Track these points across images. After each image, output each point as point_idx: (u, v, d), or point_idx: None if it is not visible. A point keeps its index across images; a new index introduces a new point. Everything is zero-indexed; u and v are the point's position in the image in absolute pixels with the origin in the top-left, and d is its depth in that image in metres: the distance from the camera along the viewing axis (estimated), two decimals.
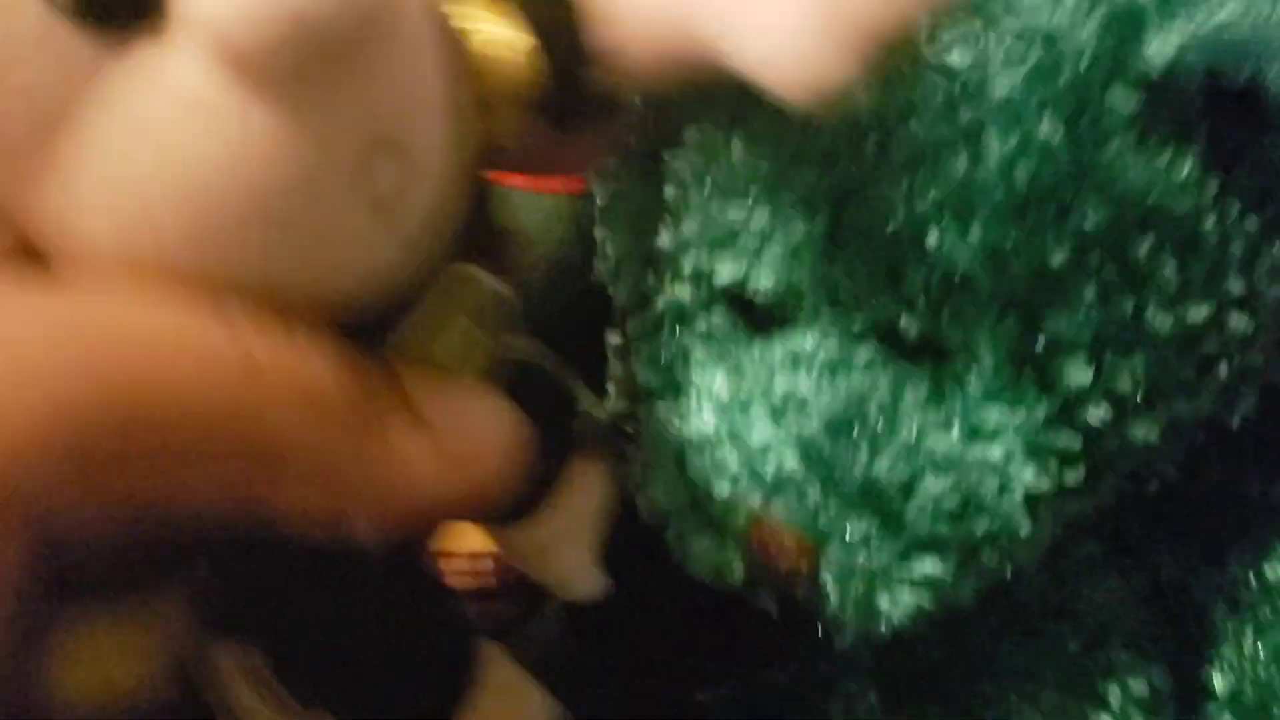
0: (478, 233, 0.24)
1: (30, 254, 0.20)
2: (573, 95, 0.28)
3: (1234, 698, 0.35)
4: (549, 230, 0.43)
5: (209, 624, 0.24)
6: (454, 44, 0.24)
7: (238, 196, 0.19)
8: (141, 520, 0.20)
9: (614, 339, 0.37)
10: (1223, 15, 0.26)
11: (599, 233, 0.35)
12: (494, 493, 0.23)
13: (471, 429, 0.24)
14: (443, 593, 0.30)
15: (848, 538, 0.29)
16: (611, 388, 0.38)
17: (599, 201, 0.35)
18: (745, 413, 0.30)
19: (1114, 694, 0.35)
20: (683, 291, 0.32)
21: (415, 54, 0.22)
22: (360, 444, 0.21)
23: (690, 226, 0.31)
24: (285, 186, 0.20)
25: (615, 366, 0.38)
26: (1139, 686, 0.35)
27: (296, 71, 0.19)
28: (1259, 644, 0.35)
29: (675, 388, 0.33)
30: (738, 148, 0.29)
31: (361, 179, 0.20)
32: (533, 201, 0.43)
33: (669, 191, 0.31)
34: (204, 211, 0.19)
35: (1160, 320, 0.28)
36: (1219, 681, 0.35)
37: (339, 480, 0.21)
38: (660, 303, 0.33)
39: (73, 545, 0.19)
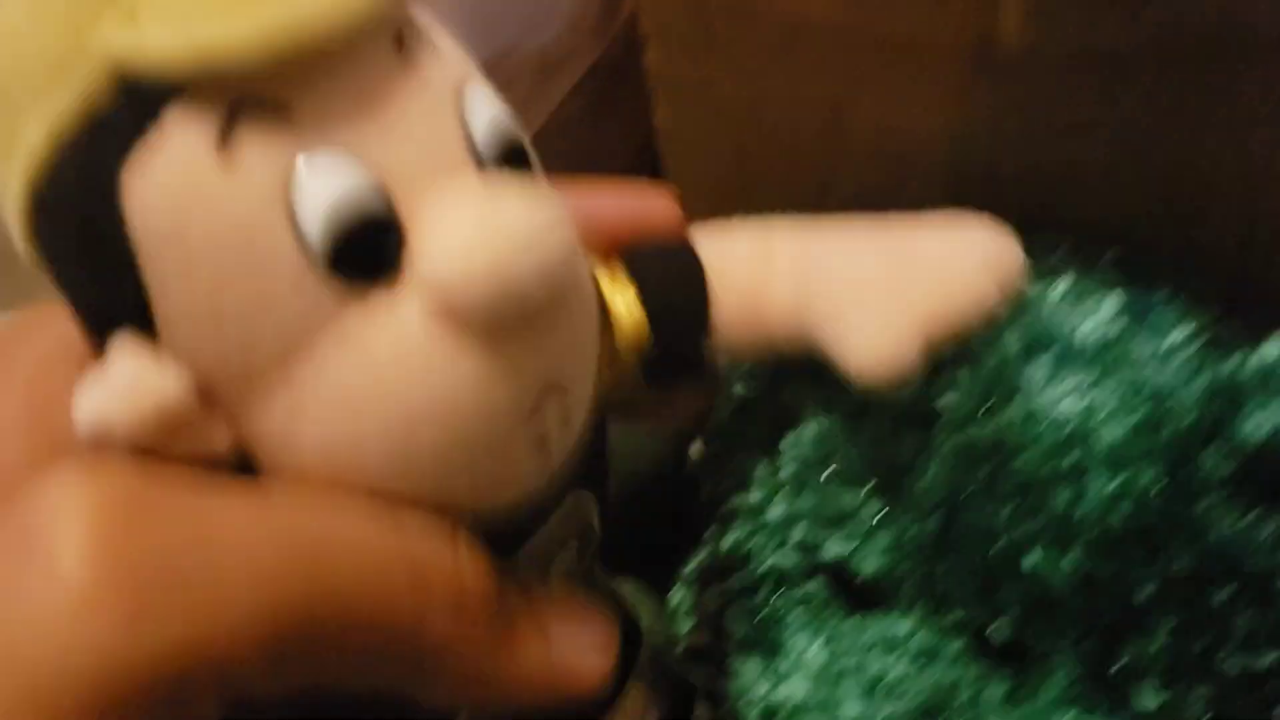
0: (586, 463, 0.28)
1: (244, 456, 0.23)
2: (674, 359, 0.31)
3: None
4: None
5: None
6: (599, 302, 0.28)
7: (436, 429, 0.23)
8: (306, 694, 0.23)
9: (689, 572, 0.39)
10: None
11: (702, 483, 0.37)
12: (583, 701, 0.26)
13: (580, 642, 0.27)
14: None
15: None
16: (679, 620, 0.40)
17: (703, 453, 0.38)
18: (837, 685, 0.32)
19: None
20: (786, 559, 0.34)
21: (585, 312, 0.25)
22: (497, 645, 0.23)
23: (805, 502, 0.33)
24: (477, 422, 0.23)
25: (686, 598, 0.39)
26: None
27: (501, 326, 0.22)
28: None
29: (765, 645, 0.34)
30: (863, 444, 0.32)
31: (533, 418, 0.24)
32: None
33: (788, 470, 0.34)
34: (406, 439, 0.23)
35: (1229, 662, 0.30)
36: None
37: (475, 677, 0.23)
38: (762, 563, 0.35)
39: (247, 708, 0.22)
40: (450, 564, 0.23)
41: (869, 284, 0.30)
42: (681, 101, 0.41)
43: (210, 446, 0.23)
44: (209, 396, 0.22)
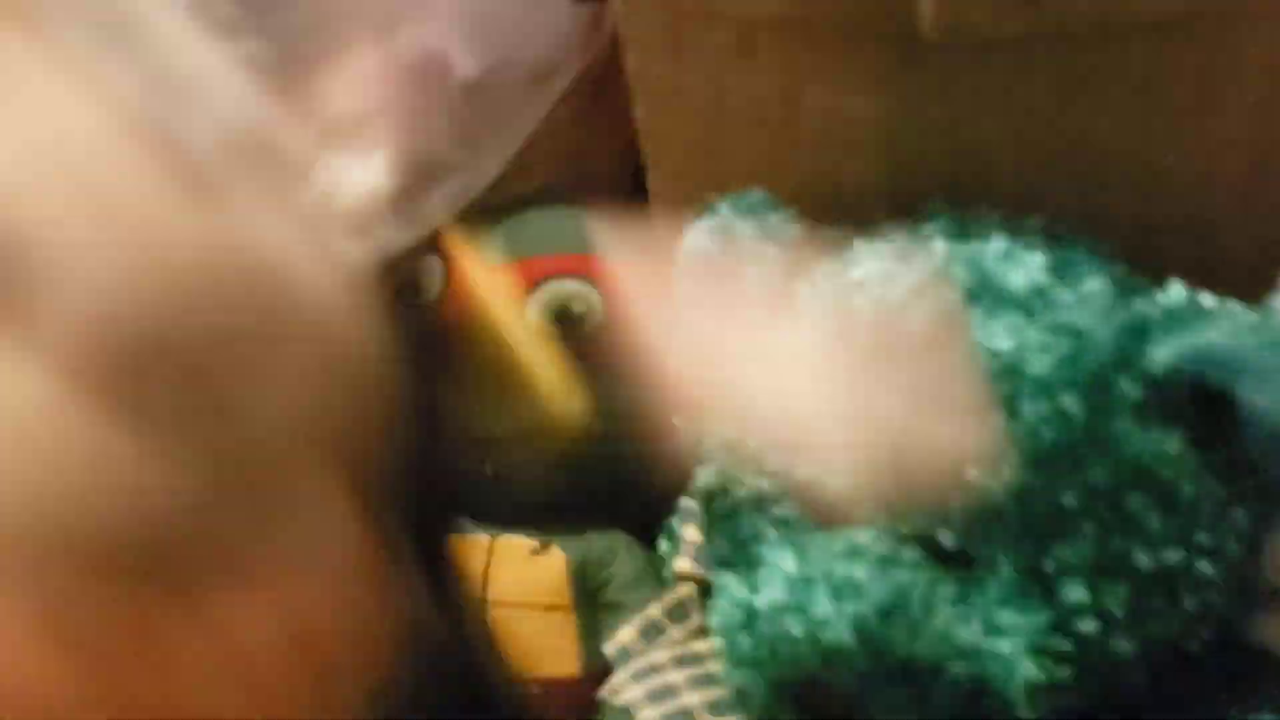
0: None
1: None
2: None
3: None
4: None
5: None
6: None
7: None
8: None
9: (689, 507, 0.42)
10: (1211, 335, 0.32)
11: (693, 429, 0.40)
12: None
13: None
14: None
15: (885, 703, 0.33)
16: (680, 549, 0.42)
17: None
18: (810, 589, 0.34)
19: None
20: (763, 483, 0.36)
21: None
22: None
23: None
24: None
25: (689, 531, 0.42)
26: None
27: (149, 385, 0.16)
28: None
29: (748, 560, 0.37)
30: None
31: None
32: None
33: None
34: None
35: (1143, 559, 0.33)
36: None
37: None
38: (742, 490, 0.37)
39: None
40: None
41: None
42: (657, 100, 0.44)
43: None
44: None
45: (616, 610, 0.48)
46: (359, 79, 0.47)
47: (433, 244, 0.50)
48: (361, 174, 0.48)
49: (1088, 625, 0.34)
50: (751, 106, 0.40)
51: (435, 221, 0.50)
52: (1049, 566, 0.33)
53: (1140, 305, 0.34)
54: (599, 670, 0.48)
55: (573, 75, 0.52)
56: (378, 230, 0.48)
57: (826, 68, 0.38)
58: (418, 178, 0.50)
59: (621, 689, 0.40)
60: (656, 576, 0.49)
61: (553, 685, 0.48)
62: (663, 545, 0.49)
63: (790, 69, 0.38)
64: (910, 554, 0.35)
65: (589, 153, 0.55)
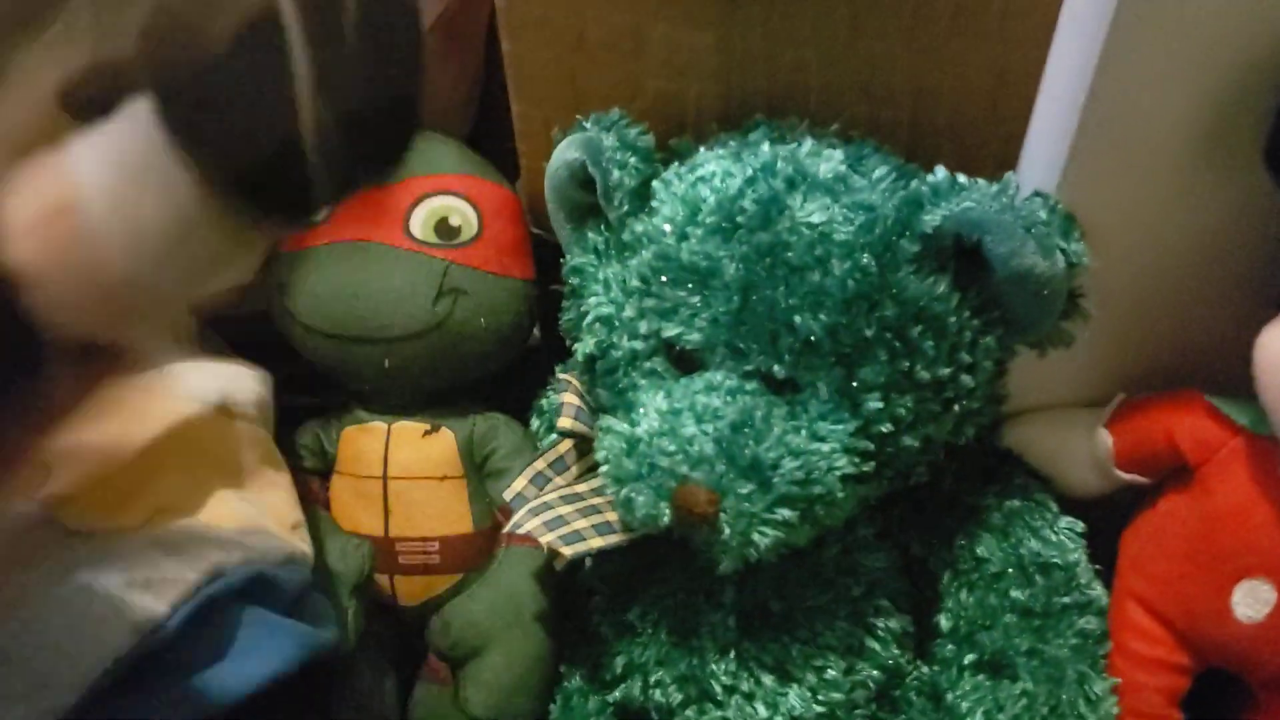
0: None
1: None
2: None
3: (953, 632, 0.50)
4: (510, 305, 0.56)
5: None
6: None
7: None
8: None
9: (564, 379, 0.51)
10: (966, 203, 0.43)
11: (569, 305, 0.49)
12: None
13: None
14: None
15: (739, 493, 0.43)
16: (561, 411, 0.51)
17: (571, 283, 0.49)
18: (678, 417, 0.44)
19: (879, 628, 0.50)
20: (637, 344, 0.46)
21: None
22: None
23: (649, 302, 0.45)
24: None
25: (566, 397, 0.51)
26: (895, 624, 0.50)
27: None
28: (970, 596, 0.50)
29: (627, 406, 0.46)
30: (685, 253, 0.44)
31: None
32: (499, 284, 0.56)
33: (634, 282, 0.45)
34: None
35: (921, 374, 0.44)
36: (944, 622, 0.50)
37: None
38: (618, 352, 0.47)
39: None
40: None
41: None
42: (524, 33, 0.52)
43: None
44: None
45: (500, 476, 0.58)
46: None
47: None
48: None
49: (884, 427, 0.45)
50: (607, 39, 0.49)
51: None
52: (855, 385, 0.44)
53: (915, 184, 0.45)
54: (487, 527, 0.57)
55: (431, 19, 0.59)
56: None
57: (670, 8, 0.47)
58: None
59: (523, 522, 0.49)
60: (532, 447, 0.58)
61: (449, 541, 0.57)
62: (533, 423, 0.58)
63: (640, 8, 0.48)
64: (752, 385, 0.45)
65: (441, 89, 0.63)
